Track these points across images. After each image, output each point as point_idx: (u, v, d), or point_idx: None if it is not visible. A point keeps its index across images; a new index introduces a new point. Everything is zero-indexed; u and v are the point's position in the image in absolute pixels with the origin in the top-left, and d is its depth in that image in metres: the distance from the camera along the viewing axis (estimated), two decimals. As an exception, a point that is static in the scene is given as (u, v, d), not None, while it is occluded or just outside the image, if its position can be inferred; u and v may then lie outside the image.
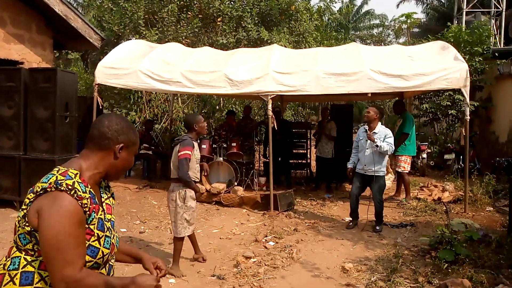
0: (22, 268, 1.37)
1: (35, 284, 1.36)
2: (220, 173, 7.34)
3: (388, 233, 5.47)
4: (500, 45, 13.84)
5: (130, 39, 11.15)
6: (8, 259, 1.41)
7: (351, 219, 5.83)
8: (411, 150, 7.12)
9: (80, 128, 6.99)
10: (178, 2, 11.52)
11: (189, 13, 11.62)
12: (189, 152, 3.94)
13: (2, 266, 1.41)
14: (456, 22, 15.45)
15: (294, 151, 9.24)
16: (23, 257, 1.38)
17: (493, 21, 15.39)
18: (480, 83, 10.41)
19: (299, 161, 9.59)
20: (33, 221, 1.34)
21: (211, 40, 11.68)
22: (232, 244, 5.01)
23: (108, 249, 1.48)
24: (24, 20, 7.33)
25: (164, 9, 11.31)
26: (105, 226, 1.48)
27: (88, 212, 1.40)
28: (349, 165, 5.75)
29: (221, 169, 7.34)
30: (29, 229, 1.36)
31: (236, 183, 7.20)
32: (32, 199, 1.37)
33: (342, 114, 9.16)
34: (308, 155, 9.57)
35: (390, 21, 27.90)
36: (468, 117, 6.32)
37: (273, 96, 6.40)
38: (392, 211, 6.65)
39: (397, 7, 35.56)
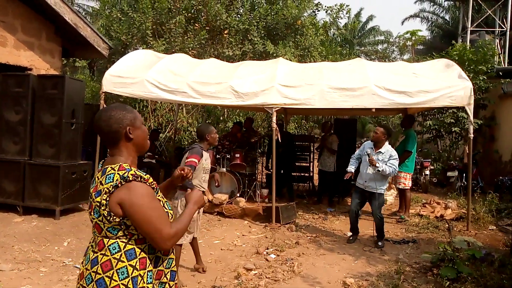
0: (124, 249, 1.62)
1: (139, 256, 1.64)
2: (222, 183, 7.34)
3: (390, 249, 5.45)
4: (504, 64, 13.91)
5: (138, 48, 11.29)
6: (104, 249, 1.63)
7: (351, 234, 5.82)
8: (410, 167, 7.11)
9: (86, 135, 7.04)
10: (185, 14, 11.67)
11: (196, 24, 11.76)
12: (196, 160, 3.96)
13: (101, 256, 1.63)
14: (461, 40, 15.57)
15: (296, 164, 9.24)
16: (119, 241, 1.63)
17: (497, 40, 15.52)
18: (484, 101, 10.45)
19: (302, 174, 9.58)
20: (118, 212, 1.60)
21: (217, 52, 11.79)
22: (233, 256, 5.00)
23: (171, 209, 1.79)
24: (35, 27, 7.45)
25: (172, 20, 11.45)
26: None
27: (155, 188, 1.68)
28: (350, 170, 5.68)
29: (223, 180, 7.35)
30: (119, 219, 1.61)
31: (238, 194, 7.20)
32: (106, 198, 1.60)
33: (345, 128, 9.19)
34: (311, 168, 9.58)
35: (395, 38, 28.14)
36: (472, 135, 6.33)
37: (277, 108, 6.44)
38: (394, 227, 6.62)
39: (402, 24, 35.95)
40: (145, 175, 1.64)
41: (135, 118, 1.76)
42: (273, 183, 6.45)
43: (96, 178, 1.69)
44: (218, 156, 7.62)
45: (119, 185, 1.59)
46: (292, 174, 8.77)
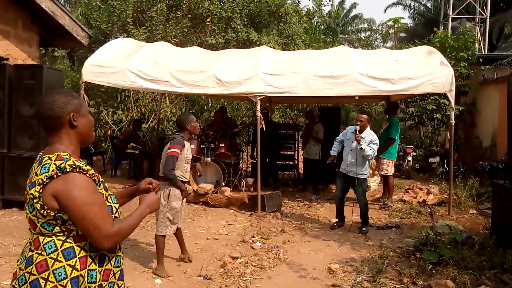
0: (61, 248, 1.50)
1: (78, 255, 1.51)
2: (207, 173, 7.31)
3: (374, 235, 5.52)
4: (484, 51, 14.14)
5: (118, 37, 11.05)
6: (40, 248, 1.50)
7: (337, 220, 5.89)
8: (393, 154, 7.21)
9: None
10: (167, 1, 11.46)
11: (178, 12, 11.56)
12: (177, 151, 3.92)
13: (36, 255, 1.50)
14: (442, 27, 15.73)
15: (281, 152, 9.26)
16: (56, 240, 1.50)
17: (478, 27, 15.72)
18: (464, 88, 10.60)
19: (287, 162, 9.61)
20: (52, 205, 1.47)
21: (200, 40, 11.64)
22: (219, 245, 5.00)
23: (116, 203, 1.66)
24: (10, 16, 7.20)
25: (153, 8, 11.23)
26: (106, 186, 1.64)
27: (97, 180, 1.56)
28: (332, 153, 5.80)
29: (208, 170, 7.32)
30: (53, 213, 1.48)
31: (223, 184, 7.18)
32: (40, 190, 1.47)
33: (329, 116, 9.21)
34: (296, 157, 9.61)
35: (378, 26, 28.22)
36: (453, 121, 6.42)
37: (261, 97, 6.40)
38: (378, 213, 6.71)
39: (385, 11, 36.08)
40: (85, 166, 1.52)
41: (81, 105, 1.63)
42: (258, 172, 6.45)
43: (33, 169, 1.56)
44: (202, 146, 7.57)
45: (55, 176, 1.46)
46: (277, 162, 8.79)
